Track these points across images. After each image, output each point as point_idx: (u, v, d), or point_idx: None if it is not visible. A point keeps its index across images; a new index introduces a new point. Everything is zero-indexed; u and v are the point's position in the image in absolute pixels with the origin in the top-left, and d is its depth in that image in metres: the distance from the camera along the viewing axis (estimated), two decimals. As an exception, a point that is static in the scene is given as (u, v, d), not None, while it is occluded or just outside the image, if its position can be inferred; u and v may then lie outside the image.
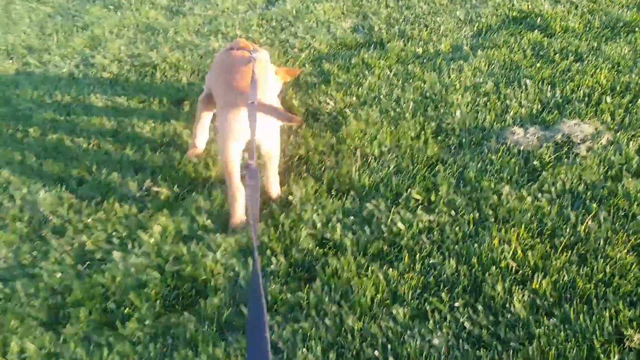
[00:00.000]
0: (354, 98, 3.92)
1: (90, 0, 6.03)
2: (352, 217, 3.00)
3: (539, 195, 2.99)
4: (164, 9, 5.65)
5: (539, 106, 3.63)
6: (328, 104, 3.89)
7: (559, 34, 4.40)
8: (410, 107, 3.75)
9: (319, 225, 2.96)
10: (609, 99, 3.58)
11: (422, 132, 3.53)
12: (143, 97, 4.19)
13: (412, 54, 4.35)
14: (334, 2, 5.35)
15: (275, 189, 3.21)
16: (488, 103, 3.70)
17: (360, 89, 3.99)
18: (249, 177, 2.50)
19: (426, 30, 4.70)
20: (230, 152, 2.96)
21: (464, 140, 3.44)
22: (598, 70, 3.88)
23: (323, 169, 3.37)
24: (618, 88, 3.68)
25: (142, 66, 4.58)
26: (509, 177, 3.13)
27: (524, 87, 3.81)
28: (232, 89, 2.99)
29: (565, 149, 3.25)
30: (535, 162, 3.20)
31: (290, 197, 3.16)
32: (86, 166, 3.57)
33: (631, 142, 3.24)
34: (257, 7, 5.48)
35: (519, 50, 4.22)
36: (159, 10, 5.63)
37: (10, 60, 4.92)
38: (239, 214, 3.05)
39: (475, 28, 4.65)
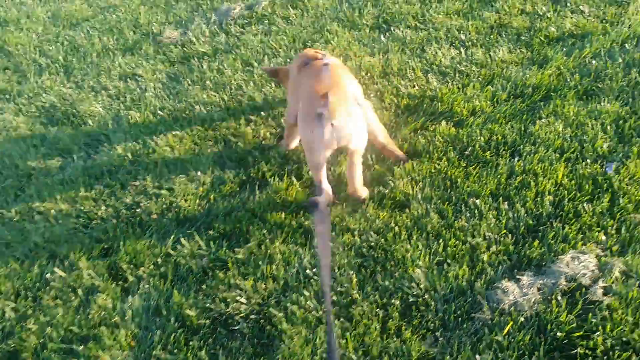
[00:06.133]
0: (271, 282, 2.83)
1: None
2: None
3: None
4: None
5: (511, 237, 2.82)
6: (238, 301, 2.77)
7: (469, 119, 3.59)
8: (355, 280, 2.74)
9: None
10: (586, 206, 2.87)
11: (389, 318, 2.57)
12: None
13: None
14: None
15: (360, 187, 3.15)
16: (448, 248, 2.82)
17: (272, 265, 2.90)
18: (319, 221, 2.49)
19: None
20: (316, 161, 2.99)
21: (446, 317, 2.53)
22: (547, 165, 3.13)
23: None
24: (586, 186, 2.97)
25: None
26: (535, 368, 2.28)
27: (476, 212, 2.98)
28: (314, 100, 2.89)
29: (581, 300, 2.46)
30: (558, 333, 2.37)
31: None
32: None
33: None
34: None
35: (440, 155, 3.35)
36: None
37: None
38: (324, 199, 2.81)
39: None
